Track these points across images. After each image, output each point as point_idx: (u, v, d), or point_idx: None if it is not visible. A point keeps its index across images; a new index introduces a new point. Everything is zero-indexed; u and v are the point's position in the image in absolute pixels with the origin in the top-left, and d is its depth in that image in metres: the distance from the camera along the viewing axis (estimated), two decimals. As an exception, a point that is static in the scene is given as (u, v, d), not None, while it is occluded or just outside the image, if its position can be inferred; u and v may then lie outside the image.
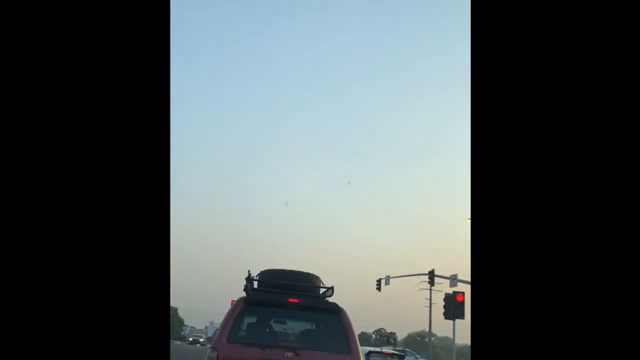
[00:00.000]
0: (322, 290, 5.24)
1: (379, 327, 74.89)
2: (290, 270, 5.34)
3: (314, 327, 5.14)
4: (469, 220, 2.34)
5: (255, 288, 5.19)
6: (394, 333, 71.38)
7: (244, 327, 4.95)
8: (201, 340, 70.05)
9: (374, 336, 75.39)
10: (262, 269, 5.39)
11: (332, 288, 5.22)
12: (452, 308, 19.19)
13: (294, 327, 5.20)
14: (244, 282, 5.34)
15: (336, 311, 4.84)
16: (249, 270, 5.32)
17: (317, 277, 5.41)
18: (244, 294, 5.20)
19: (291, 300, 4.85)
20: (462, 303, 19.15)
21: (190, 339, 74.15)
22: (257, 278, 5.27)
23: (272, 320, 5.06)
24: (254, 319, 5.06)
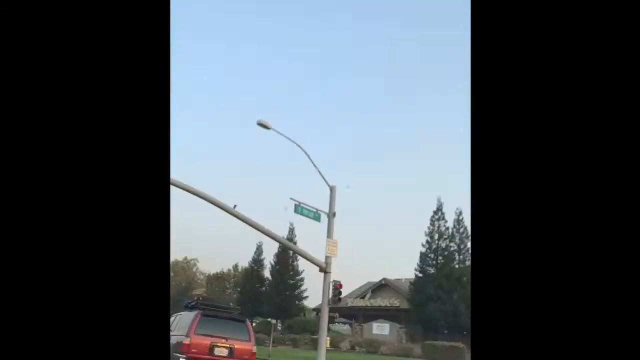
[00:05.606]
0: (236, 311, 12.42)
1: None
2: (217, 299, 16.07)
3: (234, 328, 11.06)
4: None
5: (190, 307, 11.74)
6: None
7: (201, 327, 10.55)
8: None
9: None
10: (201, 297, 13.06)
11: (239, 309, 13.07)
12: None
13: (225, 328, 10.88)
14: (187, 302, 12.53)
15: (244, 321, 11.59)
16: (185, 297, 13.29)
17: (232, 305, 13.40)
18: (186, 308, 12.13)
19: (225, 315, 11.35)
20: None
21: None
22: (194, 303, 11.71)
23: (215, 324, 10.83)
24: (206, 323, 10.73)
